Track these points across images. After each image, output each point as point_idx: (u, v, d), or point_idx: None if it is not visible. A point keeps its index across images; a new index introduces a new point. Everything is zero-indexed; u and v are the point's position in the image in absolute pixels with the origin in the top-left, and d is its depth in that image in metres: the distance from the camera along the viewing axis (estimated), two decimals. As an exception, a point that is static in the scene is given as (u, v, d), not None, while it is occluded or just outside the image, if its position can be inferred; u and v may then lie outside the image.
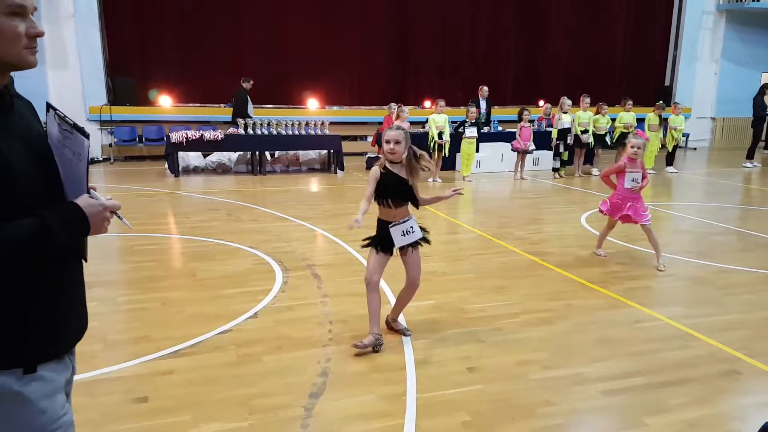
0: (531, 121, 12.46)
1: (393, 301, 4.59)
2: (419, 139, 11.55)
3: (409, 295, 4.18)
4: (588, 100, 12.29)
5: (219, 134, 11.88)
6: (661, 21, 18.76)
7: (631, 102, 12.83)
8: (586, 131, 12.24)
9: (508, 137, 12.62)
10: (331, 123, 13.75)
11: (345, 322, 4.42)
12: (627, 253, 6.48)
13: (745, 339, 4.22)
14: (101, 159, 13.85)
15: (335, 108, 15.77)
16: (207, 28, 14.58)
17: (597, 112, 12.55)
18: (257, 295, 4.95)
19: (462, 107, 14.04)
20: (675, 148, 13.22)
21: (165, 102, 14.36)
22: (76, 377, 3.44)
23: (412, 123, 12.81)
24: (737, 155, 16.89)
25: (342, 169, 12.77)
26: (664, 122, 13.06)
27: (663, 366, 3.76)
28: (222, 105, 14.84)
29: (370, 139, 14.30)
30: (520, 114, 12.07)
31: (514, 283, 5.39)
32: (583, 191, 10.67)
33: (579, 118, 12.25)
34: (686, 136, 17.78)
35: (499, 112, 15.56)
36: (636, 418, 3.17)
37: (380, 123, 14.29)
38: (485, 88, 13.93)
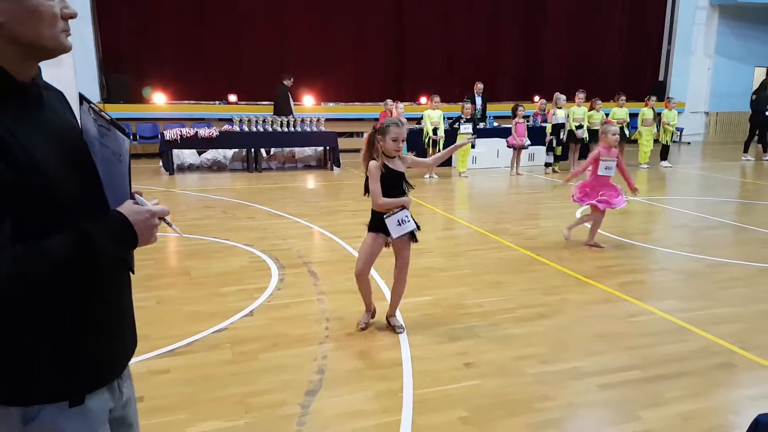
0: (525, 117, 12.46)
1: (390, 296, 4.59)
2: (414, 136, 11.55)
3: (400, 291, 4.21)
4: (583, 95, 12.30)
5: (214, 131, 11.85)
6: (655, 17, 18.79)
7: (624, 97, 12.85)
8: (581, 126, 12.26)
9: (504, 133, 12.63)
10: (327, 119, 13.75)
11: (342, 319, 4.42)
12: (622, 247, 6.49)
13: (739, 332, 4.23)
14: (96, 157, 13.79)
15: (331, 105, 15.75)
16: (202, 25, 14.53)
17: (591, 108, 12.57)
18: (253, 292, 4.95)
19: (459, 103, 14.04)
20: (669, 142, 13.23)
21: (159, 99, 14.32)
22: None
23: (408, 119, 12.81)
24: (731, 149, 16.97)
25: (338, 165, 12.76)
26: (657, 117, 13.08)
27: (658, 360, 3.77)
28: (217, 102, 14.81)
29: (366, 135, 14.26)
30: (514, 110, 12.07)
31: (511, 279, 5.40)
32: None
33: (574, 113, 12.27)
34: (680, 130, 17.83)
35: (495, 108, 15.57)
36: (632, 411, 3.18)
37: (377, 119, 14.27)
38: (480, 85, 13.95)
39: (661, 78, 19.03)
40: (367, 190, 4.01)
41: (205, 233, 6.97)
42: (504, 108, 16.03)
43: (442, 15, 16.54)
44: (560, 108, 12.18)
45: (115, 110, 13.82)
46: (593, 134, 12.41)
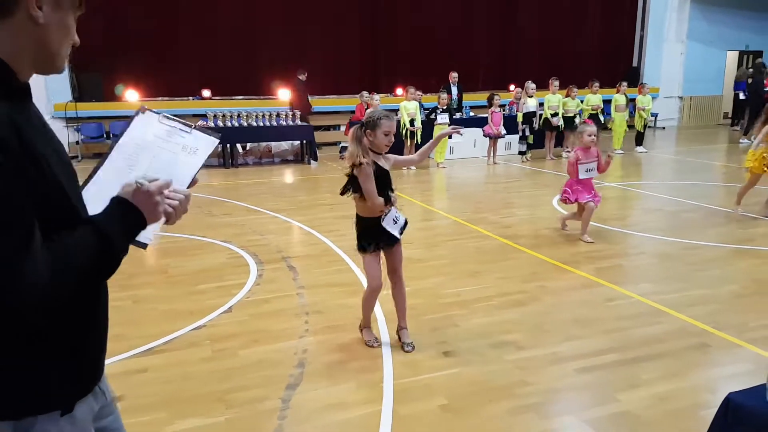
0: (501, 106, 12.51)
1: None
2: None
3: (403, 291, 3.83)
4: (557, 83, 12.37)
5: (189, 128, 11.71)
6: (628, 3, 18.94)
7: (597, 84, 12.95)
8: (555, 114, 12.34)
9: (481, 123, 12.65)
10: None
11: (321, 313, 4.41)
12: (598, 232, 6.54)
13: (713, 313, 4.31)
14: (69, 157, 13.58)
15: (316, 98, 15.65)
16: (173, 20, 14.33)
17: (567, 95, 12.64)
18: (232, 289, 4.92)
19: (436, 94, 14.04)
20: (644, 127, 13.37)
21: (132, 97, 14.11)
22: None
23: (384, 111, 12.79)
24: (705, 133, 17.21)
25: (315, 159, 12.71)
26: (630, 102, 13.20)
27: (635, 342, 3.83)
28: (191, 98, 14.65)
29: (342, 128, 14.24)
30: (490, 100, 12.11)
31: (489, 267, 5.43)
32: (555, 174, 10.77)
33: (548, 101, 12.34)
34: (655, 115, 18.02)
35: (472, 98, 15.59)
36: (609, 394, 3.23)
37: (352, 112, 14.23)
38: (455, 74, 13.96)
39: (635, 64, 19.19)
40: (345, 191, 3.61)
41: (182, 231, 6.89)
42: (480, 97, 16.05)
43: (415, 4, 16.50)
44: (531, 96, 12.26)
45: (87, 109, 13.66)
46: (568, 121, 12.51)
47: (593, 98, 12.79)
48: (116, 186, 1.37)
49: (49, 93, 13.39)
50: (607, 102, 13.44)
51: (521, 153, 12.47)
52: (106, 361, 3.59)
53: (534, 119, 12.31)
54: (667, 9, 18.65)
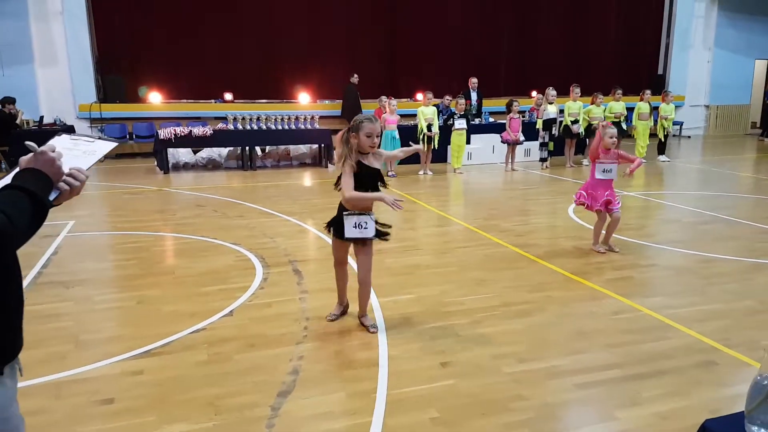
0: (521, 113, 12.39)
1: (372, 294, 4.56)
2: (408, 132, 11.48)
3: (363, 294, 4.16)
4: (578, 90, 12.19)
5: (208, 130, 11.82)
6: (653, 9, 18.65)
7: (620, 91, 12.72)
8: (576, 121, 12.16)
9: (500, 129, 12.55)
10: (322, 117, 13.71)
11: (321, 319, 4.37)
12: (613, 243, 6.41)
13: (724, 329, 4.17)
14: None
15: (326, 102, 15.68)
16: (197, 23, 14.50)
17: (592, 102, 12.44)
18: (235, 292, 4.91)
19: (453, 99, 13.96)
20: (666, 136, 13.12)
21: (155, 99, 14.29)
22: (43, 379, 3.44)
23: (403, 116, 12.77)
24: (731, 143, 16.87)
25: (333, 163, 12.70)
26: (654, 111, 12.97)
27: (639, 358, 3.72)
28: (213, 101, 14.77)
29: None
30: (509, 106, 11.99)
31: (496, 276, 5.34)
32: (573, 182, 10.61)
33: (569, 108, 12.17)
34: (680, 124, 17.71)
35: (493, 104, 15.48)
36: (607, 411, 3.13)
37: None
38: (474, 80, 13.88)
39: (660, 72, 18.89)
40: (336, 185, 3.99)
41: (194, 232, 6.94)
42: (501, 103, 15.92)
43: (437, 10, 16.44)
44: (551, 103, 12.11)
45: (111, 110, 13.86)
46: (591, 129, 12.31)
47: (616, 106, 12.57)
48: None
49: (75, 94, 13.64)
50: (630, 110, 13.22)
51: (542, 160, 12.33)
52: (104, 362, 3.62)
53: (554, 126, 12.16)
54: (693, 16, 18.34)
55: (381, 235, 4.03)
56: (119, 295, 4.92)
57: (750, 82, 19.22)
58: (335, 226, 4.05)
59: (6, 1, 12.74)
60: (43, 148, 1.60)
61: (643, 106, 12.72)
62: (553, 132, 12.14)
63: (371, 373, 3.55)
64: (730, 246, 6.31)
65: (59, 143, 1.74)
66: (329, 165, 12.62)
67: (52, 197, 1.61)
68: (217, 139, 11.95)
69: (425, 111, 11.48)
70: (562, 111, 12.22)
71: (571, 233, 6.87)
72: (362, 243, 3.98)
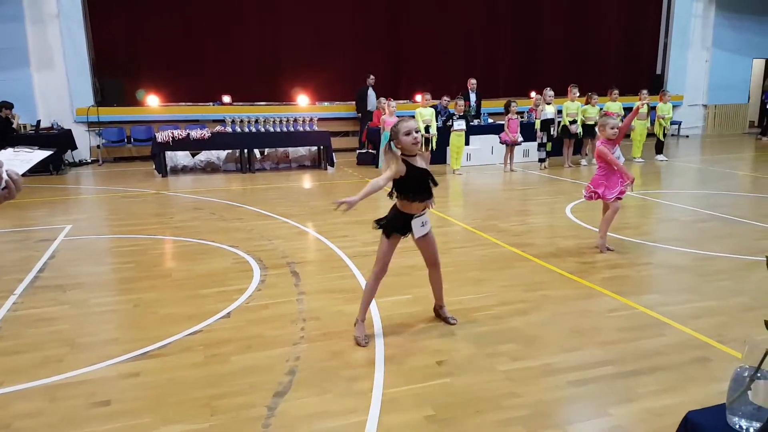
0: (519, 113, 12.41)
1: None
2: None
3: (438, 276, 4.25)
4: (576, 90, 12.22)
5: (206, 133, 11.85)
6: (651, 9, 18.69)
7: (617, 92, 12.77)
8: (574, 122, 12.19)
9: (499, 130, 12.58)
10: (321, 119, 13.74)
11: (319, 319, 4.39)
12: (609, 241, 6.42)
13: (719, 326, 4.19)
14: (89, 161, 13.81)
15: (325, 104, 15.72)
16: (195, 26, 14.53)
17: (587, 102, 12.49)
18: (232, 294, 4.93)
19: (452, 100, 13.99)
20: (664, 136, 13.14)
21: (153, 102, 14.32)
22: (39, 382, 3.46)
23: (400, 117, 12.77)
24: (729, 142, 16.88)
25: (332, 165, 12.74)
26: (651, 111, 12.99)
27: (633, 355, 3.73)
28: (211, 103, 14.80)
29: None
30: (507, 106, 12.02)
31: (493, 275, 5.36)
32: (571, 182, 10.64)
33: (567, 108, 12.21)
34: (678, 123, 17.73)
35: (492, 105, 15.52)
36: (601, 408, 3.14)
37: (370, 119, 14.26)
38: (473, 81, 13.91)
39: (658, 71, 18.93)
40: (390, 194, 4.00)
41: (192, 235, 6.96)
42: (500, 104, 15.96)
43: (436, 12, 16.48)
44: (549, 104, 12.14)
45: (109, 113, 13.88)
46: (588, 129, 12.35)
47: (613, 106, 12.60)
48: None
49: (72, 97, 13.66)
50: (628, 110, 13.22)
51: (541, 160, 12.35)
52: (101, 364, 3.65)
53: (552, 126, 12.19)
54: (691, 16, 18.38)
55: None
56: (116, 298, 4.94)
57: (748, 82, 19.26)
58: (403, 226, 3.97)
59: (1, 5, 12.76)
60: None
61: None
62: (551, 132, 12.17)
63: (367, 372, 3.57)
64: (727, 244, 6.32)
65: (2, 155, 1.98)
66: (328, 167, 12.64)
67: None
68: (216, 141, 11.99)
69: (423, 112, 11.50)
70: (560, 111, 12.25)
71: (569, 233, 6.89)
72: (424, 236, 4.08)
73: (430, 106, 11.71)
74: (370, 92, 14.78)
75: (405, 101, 15.62)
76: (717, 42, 18.51)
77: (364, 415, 3.10)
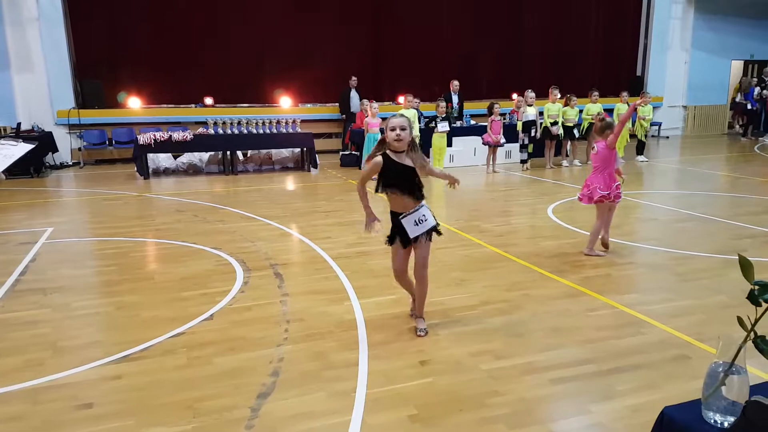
0: (502, 115, 12.50)
1: (353, 295, 4.64)
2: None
3: (421, 289, 4.13)
4: (557, 92, 12.33)
5: (188, 135, 11.78)
6: (631, 11, 18.89)
7: (597, 93, 12.89)
8: (555, 123, 12.30)
9: (481, 131, 12.64)
10: (303, 121, 13.72)
11: (302, 321, 4.40)
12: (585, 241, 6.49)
13: (697, 324, 4.26)
14: (71, 163, 13.67)
15: (308, 106, 15.69)
16: (176, 29, 14.43)
17: (566, 104, 12.61)
18: (215, 296, 4.92)
19: (434, 102, 14.05)
20: (645, 137, 13.30)
21: (134, 104, 14.20)
22: (20, 385, 3.43)
23: (383, 119, 12.80)
24: (709, 142, 17.12)
25: (315, 167, 12.72)
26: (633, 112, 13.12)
27: (614, 353, 3.78)
28: (193, 105, 14.72)
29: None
30: (490, 108, 12.09)
31: (475, 276, 5.40)
32: (554, 182, 10.73)
33: (548, 110, 12.31)
34: (658, 125, 17.93)
35: (475, 106, 15.59)
36: (582, 405, 3.19)
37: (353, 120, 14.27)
38: (456, 83, 13.98)
39: (638, 73, 19.13)
40: (376, 190, 4.01)
41: (174, 237, 6.92)
42: (482, 106, 16.03)
43: (419, 14, 16.52)
44: (530, 105, 12.24)
45: (90, 116, 13.74)
46: (568, 130, 12.47)
47: (593, 107, 12.73)
48: None
49: (53, 100, 13.52)
50: (608, 111, 13.37)
51: (523, 162, 12.44)
52: (82, 367, 3.63)
53: (533, 128, 12.29)
54: (670, 18, 18.60)
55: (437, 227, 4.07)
56: (98, 301, 4.90)
57: (726, 83, 19.53)
58: (399, 236, 4.01)
59: (-20, 8, 12.61)
60: None
61: (622, 108, 12.85)
62: (532, 134, 12.26)
63: (351, 373, 3.58)
64: (705, 243, 6.42)
65: None
66: (312, 169, 12.63)
67: None
68: (198, 143, 11.93)
69: (405, 114, 11.51)
70: (541, 113, 12.36)
71: (550, 233, 6.95)
72: (425, 238, 3.99)
73: (413, 108, 11.75)
74: (353, 94, 14.80)
75: (388, 102, 15.65)
76: (696, 44, 18.75)
77: (347, 416, 3.11)
